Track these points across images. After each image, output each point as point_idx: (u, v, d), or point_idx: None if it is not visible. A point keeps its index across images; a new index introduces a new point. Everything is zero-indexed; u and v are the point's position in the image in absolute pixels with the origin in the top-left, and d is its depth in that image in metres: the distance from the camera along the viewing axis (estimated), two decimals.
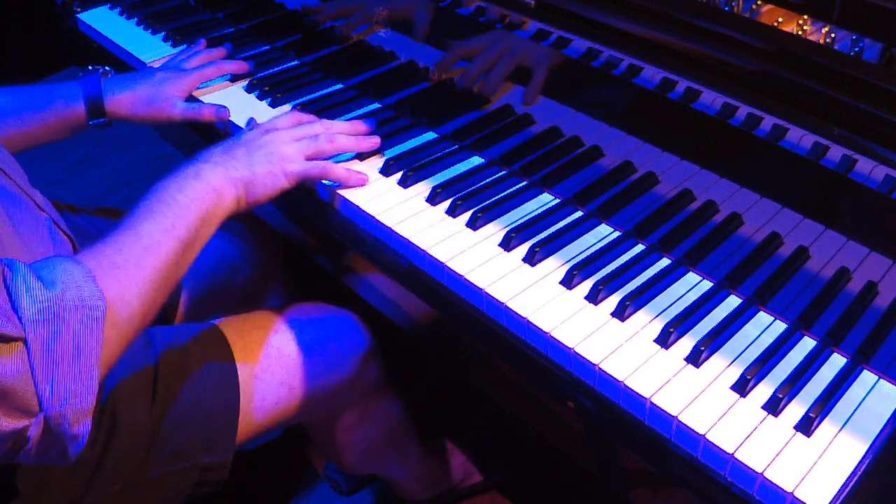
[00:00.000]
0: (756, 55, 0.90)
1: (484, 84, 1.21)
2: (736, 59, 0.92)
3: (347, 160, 1.13)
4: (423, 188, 1.08)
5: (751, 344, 0.86)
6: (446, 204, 1.05)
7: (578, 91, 1.13)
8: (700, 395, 0.80)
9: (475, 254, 0.97)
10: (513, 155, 1.13)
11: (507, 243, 0.98)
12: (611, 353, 0.84)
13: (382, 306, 1.09)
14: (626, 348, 0.85)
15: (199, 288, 1.34)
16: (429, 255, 0.97)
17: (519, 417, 0.98)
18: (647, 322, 0.88)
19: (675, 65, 0.97)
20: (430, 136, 1.20)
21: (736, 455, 0.74)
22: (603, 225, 1.02)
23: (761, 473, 0.73)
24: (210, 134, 1.28)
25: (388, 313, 1.08)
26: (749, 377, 0.80)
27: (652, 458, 0.81)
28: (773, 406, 0.78)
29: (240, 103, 1.30)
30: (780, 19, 0.95)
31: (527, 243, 0.98)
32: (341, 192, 1.07)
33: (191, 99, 1.27)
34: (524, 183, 1.09)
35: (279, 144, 1.03)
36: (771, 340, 0.86)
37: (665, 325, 0.86)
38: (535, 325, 0.88)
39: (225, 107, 1.24)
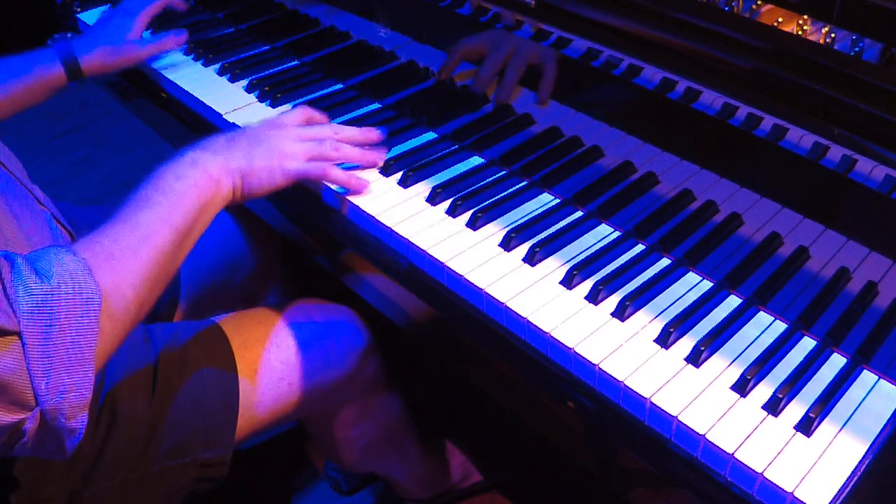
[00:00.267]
0: (756, 55, 0.90)
1: (500, 92, 1.20)
2: (736, 59, 0.92)
3: None
4: (423, 188, 1.08)
5: (751, 344, 0.86)
6: (446, 204, 1.05)
7: (578, 91, 1.13)
8: (700, 395, 0.80)
9: (475, 254, 0.97)
10: (513, 155, 1.13)
11: (507, 243, 0.98)
12: (611, 353, 0.84)
13: (382, 306, 1.09)
14: (626, 348, 0.85)
15: (199, 287, 1.35)
16: (429, 255, 0.97)
17: (519, 417, 0.98)
18: (647, 322, 0.88)
19: (675, 65, 0.97)
20: (430, 136, 1.20)
21: (736, 455, 0.74)
22: (603, 225, 1.02)
23: (761, 473, 0.73)
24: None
25: (388, 313, 1.08)
26: (749, 377, 0.80)
27: (652, 458, 0.81)
28: (774, 406, 0.78)
29: (240, 103, 1.30)
30: (780, 19, 0.95)
31: (527, 243, 0.98)
32: (342, 192, 1.07)
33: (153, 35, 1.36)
34: (524, 183, 1.09)
35: (282, 141, 1.02)
36: (771, 340, 0.86)
37: (665, 325, 0.86)
38: (535, 325, 0.88)
39: (183, 30, 1.35)
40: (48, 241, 1.01)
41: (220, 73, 1.39)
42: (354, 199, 1.06)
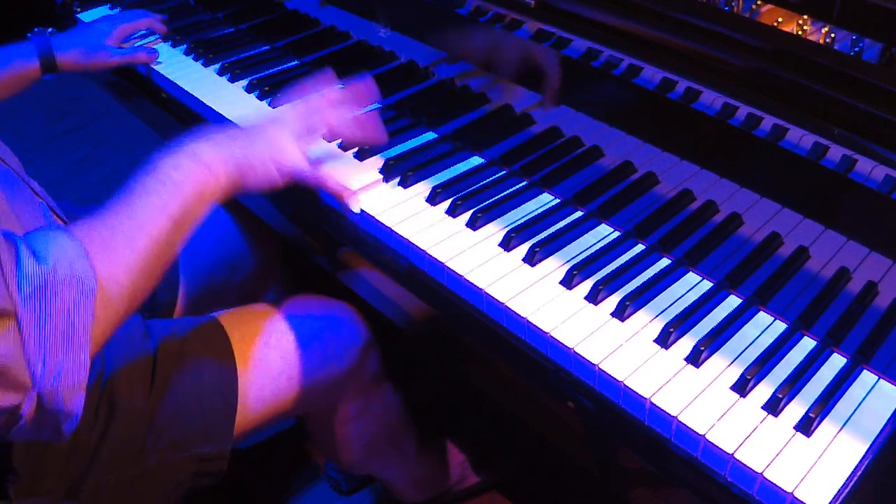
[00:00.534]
0: (756, 55, 0.90)
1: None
2: (736, 59, 0.92)
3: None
4: (423, 188, 1.08)
5: (751, 344, 0.86)
6: (446, 204, 1.05)
7: (578, 91, 1.13)
8: (700, 396, 0.80)
9: (475, 254, 0.97)
10: (513, 155, 1.13)
11: (507, 243, 0.98)
12: (611, 353, 0.84)
13: (382, 306, 1.09)
14: (626, 348, 0.85)
15: (198, 286, 1.35)
16: (429, 255, 0.97)
17: (519, 417, 0.98)
18: (647, 322, 0.88)
19: (675, 65, 0.97)
20: (430, 135, 1.20)
21: (736, 455, 0.74)
22: (603, 225, 1.02)
23: (761, 473, 0.73)
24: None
25: (388, 313, 1.08)
26: (749, 377, 0.80)
27: (652, 458, 0.81)
28: (773, 406, 0.78)
29: (240, 103, 1.30)
30: (780, 19, 0.95)
31: (527, 243, 0.98)
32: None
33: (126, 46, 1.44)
34: (524, 183, 1.09)
35: (281, 139, 1.00)
36: (771, 340, 0.86)
37: (665, 325, 0.86)
38: (534, 325, 0.88)
39: (155, 49, 1.43)
40: (41, 225, 1.01)
41: (221, 73, 1.39)
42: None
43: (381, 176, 1.11)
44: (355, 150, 1.15)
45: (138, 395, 1.02)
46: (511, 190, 1.08)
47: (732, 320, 0.88)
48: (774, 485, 0.72)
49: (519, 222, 1.02)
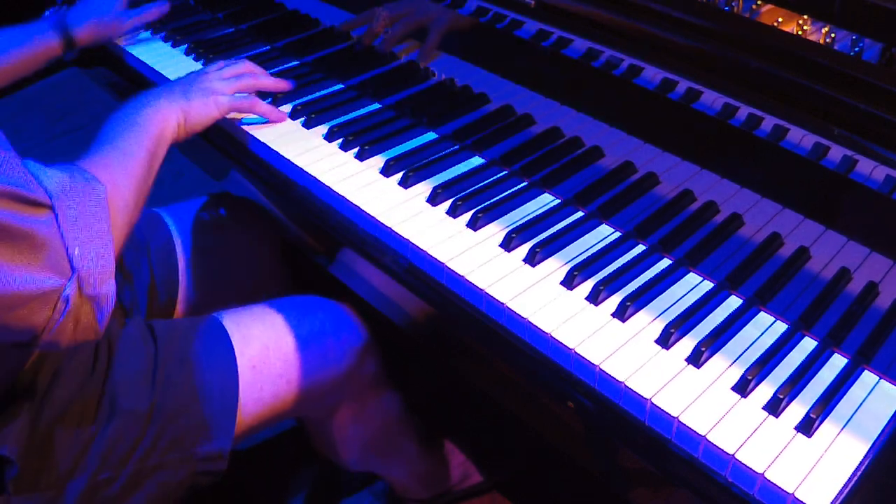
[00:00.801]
0: (756, 55, 0.90)
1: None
2: (736, 59, 0.92)
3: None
4: (423, 188, 1.08)
5: (752, 344, 0.86)
6: (447, 204, 1.05)
7: (579, 91, 1.13)
8: (701, 396, 0.80)
9: (476, 254, 0.97)
10: (513, 155, 1.13)
11: (508, 244, 0.98)
12: (611, 353, 0.84)
13: (382, 306, 1.09)
14: (626, 349, 0.85)
15: (197, 288, 1.35)
16: (429, 255, 0.97)
17: (519, 417, 0.98)
18: (647, 322, 0.88)
19: (676, 65, 0.97)
20: (431, 136, 1.20)
21: (737, 456, 0.74)
22: (604, 225, 1.02)
23: (762, 474, 0.73)
24: None
25: (388, 313, 1.08)
26: (750, 378, 0.80)
27: (652, 458, 0.81)
28: (774, 407, 0.78)
29: None
30: (780, 19, 0.95)
31: (527, 244, 0.98)
32: (341, 192, 1.07)
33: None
34: (525, 183, 1.09)
35: (210, 81, 1.19)
36: (772, 341, 0.86)
37: (666, 326, 0.86)
38: (535, 326, 0.88)
39: (165, 1, 1.48)
40: None
41: None
42: (356, 200, 1.06)
43: (381, 176, 1.11)
44: (356, 150, 1.15)
45: (139, 395, 1.03)
46: (512, 190, 1.08)
47: (733, 321, 0.88)
48: (775, 485, 0.72)
49: (519, 223, 1.02)
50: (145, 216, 1.36)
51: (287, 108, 1.27)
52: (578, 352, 0.85)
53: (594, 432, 0.87)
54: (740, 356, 0.84)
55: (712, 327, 0.87)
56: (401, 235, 1.00)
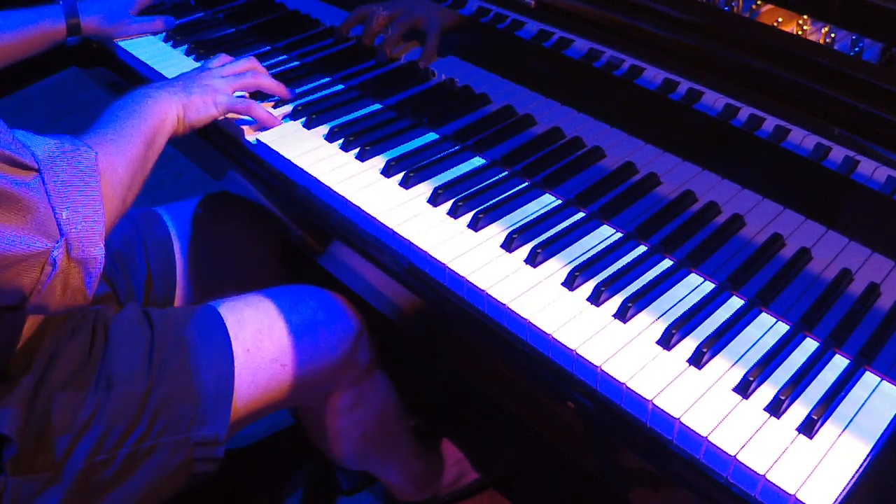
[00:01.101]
0: (756, 55, 0.90)
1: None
2: (736, 59, 0.92)
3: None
4: (424, 189, 1.08)
5: (753, 345, 0.86)
6: (448, 205, 1.05)
7: (579, 92, 1.13)
8: (702, 397, 0.80)
9: (477, 255, 0.97)
10: (514, 156, 1.13)
11: (509, 244, 0.98)
12: (613, 354, 0.84)
13: (382, 306, 1.09)
14: (628, 350, 0.85)
15: (195, 287, 1.35)
16: (430, 256, 0.97)
17: (519, 417, 0.98)
18: (649, 323, 0.88)
19: (676, 65, 0.97)
20: (432, 136, 1.20)
21: (738, 457, 0.74)
22: (605, 226, 1.02)
23: (763, 475, 0.73)
24: None
25: (388, 312, 1.08)
26: (751, 379, 0.80)
27: (653, 459, 0.81)
28: (776, 408, 0.78)
29: None
30: (780, 19, 0.95)
31: (529, 244, 0.98)
32: (342, 193, 1.07)
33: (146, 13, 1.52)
34: (526, 184, 1.09)
35: (211, 79, 1.21)
36: (773, 342, 0.86)
37: (667, 327, 0.86)
38: (536, 327, 0.88)
39: (171, 18, 1.51)
40: None
41: None
42: (356, 200, 1.06)
43: (382, 176, 1.11)
44: (357, 151, 1.15)
45: (135, 376, 1.04)
46: (513, 191, 1.08)
47: (735, 322, 0.88)
48: (777, 486, 0.72)
49: (521, 223, 1.02)
50: (143, 214, 1.36)
51: (288, 108, 1.27)
52: (580, 353, 0.85)
53: (594, 432, 0.87)
54: (742, 357, 0.84)
55: (714, 328, 0.87)
56: (401, 236, 1.00)
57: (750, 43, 0.91)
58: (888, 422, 0.78)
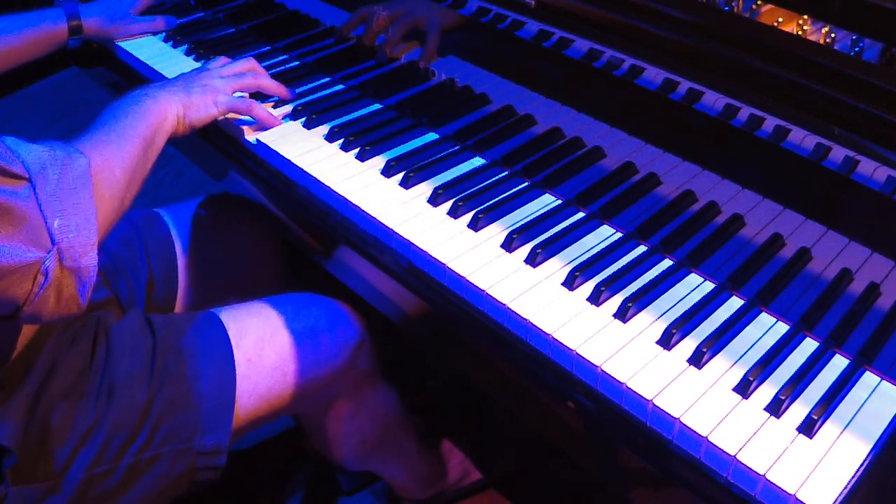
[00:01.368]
0: (756, 55, 0.90)
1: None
2: (736, 59, 0.92)
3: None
4: (424, 189, 1.08)
5: (753, 345, 0.86)
6: (448, 205, 1.05)
7: (580, 92, 1.13)
8: (702, 397, 0.80)
9: (477, 255, 0.97)
10: (514, 156, 1.13)
11: (509, 244, 0.98)
12: (613, 354, 0.84)
13: (382, 306, 1.09)
14: (628, 350, 0.85)
15: (196, 287, 1.35)
16: (430, 255, 0.97)
17: (519, 417, 0.98)
18: (649, 323, 0.88)
19: (676, 65, 0.97)
20: (432, 136, 1.20)
21: (738, 457, 0.74)
22: (605, 226, 1.02)
23: (763, 475, 0.73)
24: None
25: (388, 313, 1.08)
26: (751, 379, 0.80)
27: (653, 458, 0.81)
28: (776, 408, 0.78)
29: None
30: (780, 19, 0.95)
31: (528, 244, 0.98)
32: (342, 192, 1.07)
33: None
34: (526, 184, 1.09)
35: (211, 79, 1.21)
36: (773, 342, 0.86)
37: (667, 327, 0.86)
38: (536, 327, 0.88)
39: (173, 18, 1.52)
40: None
41: None
42: (356, 200, 1.06)
43: (382, 176, 1.11)
44: (357, 151, 1.15)
45: (136, 385, 1.04)
46: (513, 191, 1.08)
47: (735, 322, 0.88)
48: (777, 486, 0.72)
49: (521, 223, 1.02)
50: (144, 215, 1.36)
51: (288, 108, 1.27)
52: (580, 353, 0.85)
53: (594, 432, 0.87)
54: (742, 357, 0.84)
55: (714, 328, 0.87)
56: (401, 236, 1.00)
57: (750, 43, 0.91)
58: (888, 422, 0.78)
